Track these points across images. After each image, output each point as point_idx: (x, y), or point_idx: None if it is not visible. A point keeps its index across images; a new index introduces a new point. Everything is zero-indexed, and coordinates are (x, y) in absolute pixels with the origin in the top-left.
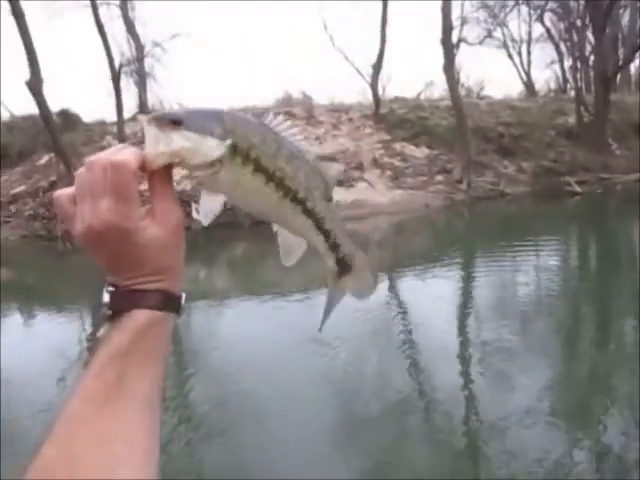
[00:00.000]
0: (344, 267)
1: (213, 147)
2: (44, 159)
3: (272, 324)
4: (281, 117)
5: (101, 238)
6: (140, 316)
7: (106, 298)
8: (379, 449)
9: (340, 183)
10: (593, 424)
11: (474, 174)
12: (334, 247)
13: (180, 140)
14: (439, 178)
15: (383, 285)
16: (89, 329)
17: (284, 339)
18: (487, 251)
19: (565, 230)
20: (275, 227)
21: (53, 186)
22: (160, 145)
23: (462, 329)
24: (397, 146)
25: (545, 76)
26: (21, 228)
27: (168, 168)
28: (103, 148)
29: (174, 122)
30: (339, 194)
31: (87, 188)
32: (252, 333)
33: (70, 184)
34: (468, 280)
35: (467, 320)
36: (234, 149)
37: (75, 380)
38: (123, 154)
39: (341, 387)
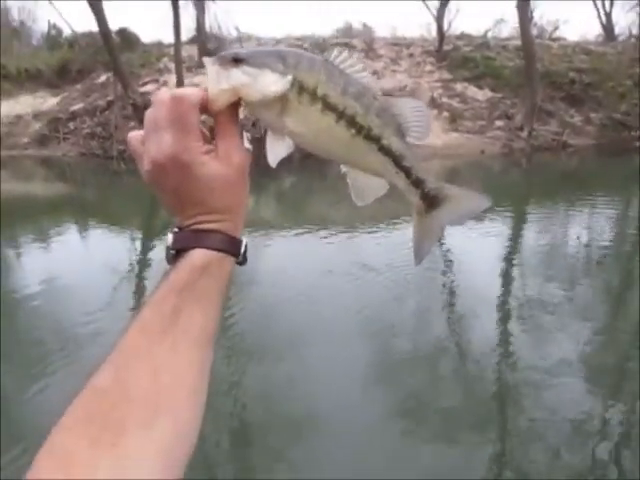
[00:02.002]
0: (433, 201)
1: (272, 82)
2: (102, 78)
3: (319, 254)
4: (346, 53)
5: (163, 171)
6: (197, 255)
7: (170, 240)
8: (411, 386)
9: None
10: (630, 387)
11: (537, 122)
12: (417, 183)
13: (240, 75)
14: (499, 124)
15: None
16: (138, 245)
17: (330, 268)
18: (542, 205)
19: (628, 189)
20: (344, 168)
21: (110, 106)
22: (221, 82)
23: (507, 282)
24: (458, 86)
25: (628, 20)
26: (79, 146)
27: (233, 108)
28: (159, 70)
29: (235, 60)
30: None
31: (151, 123)
32: (297, 262)
33: (125, 105)
34: (518, 233)
35: (513, 273)
36: (300, 88)
37: (135, 312)
38: (185, 89)
39: (381, 320)
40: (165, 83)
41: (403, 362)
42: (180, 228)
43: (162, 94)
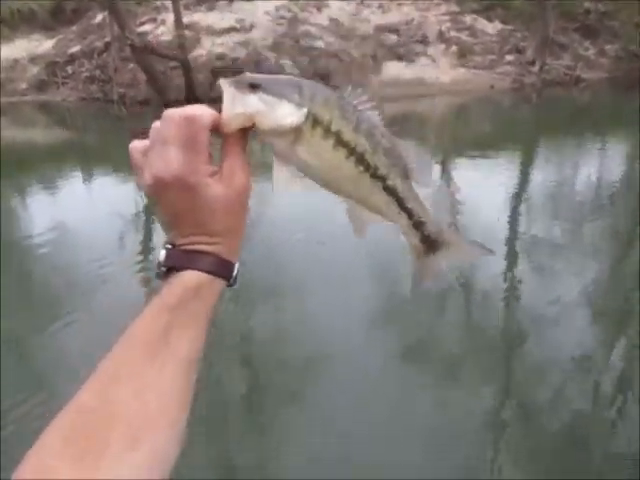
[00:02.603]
0: (432, 244)
1: (288, 113)
2: (98, 18)
3: (323, 195)
4: (360, 90)
5: (166, 189)
6: (190, 277)
7: (162, 256)
8: (415, 327)
9: (400, 57)
10: (634, 325)
11: (549, 56)
12: (418, 225)
13: (256, 102)
14: (509, 58)
15: (435, 173)
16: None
17: (335, 208)
18: (550, 143)
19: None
20: (344, 201)
21: (107, 47)
22: (237, 106)
23: (514, 221)
24: (467, 19)
25: None
26: (78, 90)
27: (244, 131)
28: (157, 8)
29: (252, 85)
30: (398, 69)
31: (158, 138)
32: (302, 205)
33: (123, 46)
34: (525, 172)
35: (518, 212)
36: (314, 121)
37: (123, 330)
38: (198, 109)
39: (386, 261)
40: (163, 22)
41: (408, 302)
42: (173, 245)
43: (173, 111)
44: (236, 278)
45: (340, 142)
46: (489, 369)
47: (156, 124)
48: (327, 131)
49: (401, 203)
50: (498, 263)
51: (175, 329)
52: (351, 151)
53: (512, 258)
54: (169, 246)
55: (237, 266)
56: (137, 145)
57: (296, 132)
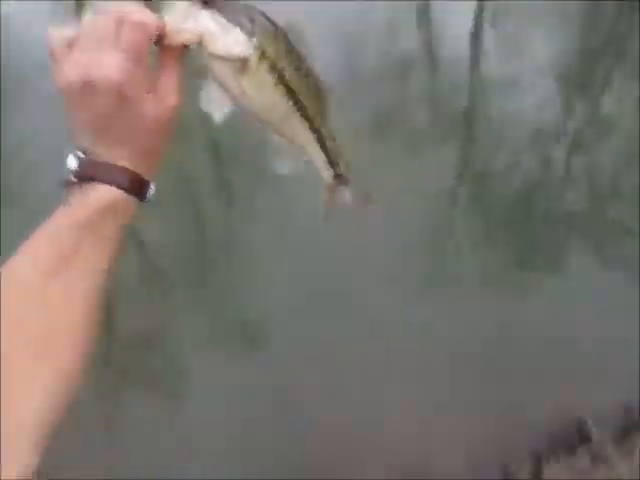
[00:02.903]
0: (341, 181)
1: (239, 42)
2: None
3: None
4: (301, 31)
5: (94, 93)
6: (105, 192)
7: (73, 164)
8: (378, 104)
9: None
10: (591, 95)
11: None
12: (332, 164)
13: (209, 21)
14: None
15: None
16: None
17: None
18: None
19: None
20: (269, 130)
21: None
22: (187, 20)
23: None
24: None
25: None
26: None
27: (185, 47)
28: None
29: (206, 2)
30: None
31: (95, 37)
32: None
33: None
34: None
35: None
36: (262, 54)
37: (25, 242)
38: (144, 13)
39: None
40: None
41: (372, 79)
42: (85, 153)
43: (116, 11)
44: (148, 199)
45: (281, 80)
46: (449, 140)
47: (91, 18)
48: (272, 67)
49: (322, 142)
50: (465, 26)
51: (83, 248)
52: (289, 90)
53: (479, 24)
54: (81, 154)
55: (153, 188)
56: (59, 33)
57: (242, 62)
